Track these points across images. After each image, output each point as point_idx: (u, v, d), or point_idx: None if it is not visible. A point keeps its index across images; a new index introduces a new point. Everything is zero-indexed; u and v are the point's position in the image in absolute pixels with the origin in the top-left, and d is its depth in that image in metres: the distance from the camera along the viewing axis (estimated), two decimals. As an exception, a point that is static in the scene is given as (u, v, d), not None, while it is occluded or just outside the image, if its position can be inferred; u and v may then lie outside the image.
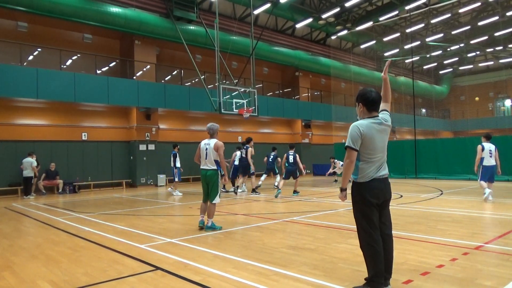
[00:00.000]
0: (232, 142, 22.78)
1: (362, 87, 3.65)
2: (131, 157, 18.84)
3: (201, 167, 6.98)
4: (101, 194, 15.33)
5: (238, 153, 14.25)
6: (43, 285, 4.04)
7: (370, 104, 3.56)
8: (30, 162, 14.55)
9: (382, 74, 4.08)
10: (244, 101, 17.04)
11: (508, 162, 15.66)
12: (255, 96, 17.10)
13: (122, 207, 10.78)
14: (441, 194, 11.77)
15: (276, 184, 15.56)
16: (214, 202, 6.83)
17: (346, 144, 3.44)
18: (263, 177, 15.17)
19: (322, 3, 24.88)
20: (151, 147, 19.01)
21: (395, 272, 4.05)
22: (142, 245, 5.73)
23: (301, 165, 13.16)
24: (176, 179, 13.96)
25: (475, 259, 4.46)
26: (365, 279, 3.52)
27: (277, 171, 15.09)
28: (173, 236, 6.31)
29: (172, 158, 14.01)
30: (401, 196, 11.37)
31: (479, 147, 10.27)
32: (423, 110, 40.58)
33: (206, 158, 6.89)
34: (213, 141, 6.94)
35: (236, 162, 14.38)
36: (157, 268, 4.51)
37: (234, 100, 16.79)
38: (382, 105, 3.80)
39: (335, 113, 26.45)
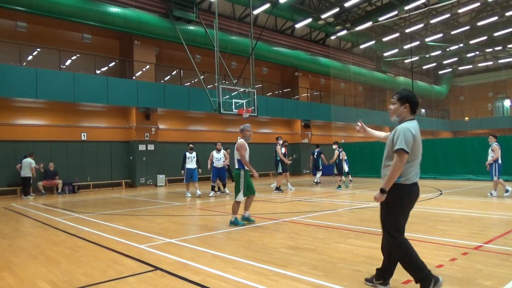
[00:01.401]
0: (232, 142, 22.78)
1: (404, 88, 3.65)
2: (131, 157, 18.83)
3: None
4: (100, 194, 15.32)
5: (214, 153, 13.14)
6: (42, 285, 4.03)
7: (415, 106, 3.52)
8: (29, 163, 14.53)
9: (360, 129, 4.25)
10: (244, 101, 17.03)
11: (507, 162, 15.68)
12: (255, 96, 17.09)
13: (121, 207, 10.77)
14: (441, 194, 11.77)
15: (315, 180, 17.03)
16: (236, 199, 7.12)
17: (399, 147, 3.28)
18: (319, 174, 16.89)
19: (322, 3, 24.89)
20: (151, 147, 19.00)
21: (395, 272, 4.05)
22: (142, 245, 5.73)
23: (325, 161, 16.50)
24: (184, 181, 13.42)
25: (474, 259, 4.46)
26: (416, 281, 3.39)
27: (320, 168, 16.71)
28: (172, 236, 6.31)
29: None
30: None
31: (497, 146, 10.57)
32: (423, 110, 40.60)
33: (234, 158, 7.29)
34: (238, 142, 7.30)
35: (219, 164, 13.04)
36: (157, 268, 4.50)
37: (234, 100, 16.77)
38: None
39: (335, 113, 26.47)
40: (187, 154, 13.19)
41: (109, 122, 18.71)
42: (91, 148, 17.82)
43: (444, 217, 7.47)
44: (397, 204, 3.43)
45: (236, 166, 7.27)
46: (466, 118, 38.68)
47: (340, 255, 4.81)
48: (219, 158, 12.88)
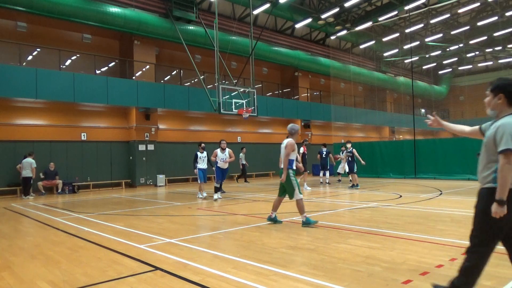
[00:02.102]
0: (232, 142, 22.80)
1: (500, 77, 3.10)
2: (131, 157, 18.83)
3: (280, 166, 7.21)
4: (100, 194, 15.31)
5: (218, 152, 12.15)
6: (42, 286, 4.03)
7: None
8: (30, 163, 14.53)
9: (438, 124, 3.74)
10: (244, 101, 17.04)
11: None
12: (255, 96, 17.10)
13: (121, 207, 10.77)
14: (441, 194, 11.77)
15: (327, 181, 17.15)
16: (295, 198, 6.88)
17: (506, 147, 2.78)
18: (327, 174, 16.97)
19: (322, 3, 24.90)
20: (151, 147, 19.00)
21: (394, 272, 4.05)
22: (142, 245, 5.73)
23: (333, 160, 17.00)
24: (198, 181, 12.65)
25: (474, 259, 4.45)
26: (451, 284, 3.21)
27: (328, 167, 16.86)
28: (172, 236, 6.31)
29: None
30: (401, 196, 11.38)
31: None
32: (423, 110, 40.59)
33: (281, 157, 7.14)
34: (286, 141, 7.08)
35: (224, 165, 12.00)
36: (157, 268, 4.50)
37: (234, 100, 16.79)
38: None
39: (335, 113, 26.47)
40: (199, 154, 12.51)
41: (109, 122, 18.71)
42: (91, 148, 17.81)
43: (444, 217, 7.47)
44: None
45: (282, 166, 7.06)
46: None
47: (340, 255, 4.81)
48: (224, 158, 11.74)
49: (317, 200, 11.28)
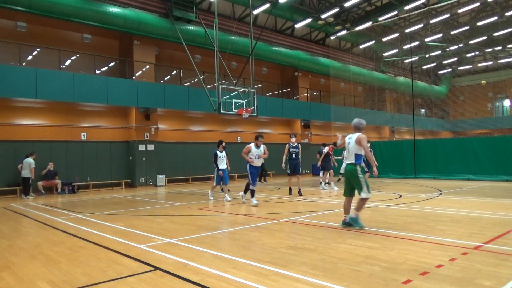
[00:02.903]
0: (232, 142, 22.80)
1: None
2: (130, 157, 18.83)
3: (345, 162, 6.91)
4: (100, 194, 15.31)
5: (253, 147, 10.82)
6: (42, 286, 4.03)
7: None
8: (29, 163, 14.53)
9: None
10: (244, 101, 17.04)
11: (507, 162, 15.71)
12: (254, 96, 17.10)
13: (121, 207, 10.77)
14: (440, 194, 11.77)
15: (327, 181, 16.95)
16: (361, 197, 6.46)
17: None
18: (322, 173, 16.67)
19: (322, 3, 24.90)
20: (150, 147, 19.00)
21: (394, 272, 4.05)
22: (141, 245, 5.73)
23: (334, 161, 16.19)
24: (222, 182, 11.73)
25: (474, 259, 4.46)
26: None
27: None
28: (172, 236, 6.31)
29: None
30: (400, 196, 11.38)
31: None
32: (422, 110, 40.62)
33: (349, 153, 6.79)
34: (355, 135, 6.81)
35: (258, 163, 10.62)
36: (157, 268, 4.50)
37: (234, 100, 16.79)
38: None
39: (335, 113, 26.47)
40: (218, 153, 11.54)
41: (109, 122, 18.71)
42: (90, 148, 17.81)
43: (443, 217, 7.47)
44: None
45: (351, 161, 6.62)
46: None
47: (340, 255, 4.81)
48: (259, 153, 10.15)
49: (317, 200, 11.28)
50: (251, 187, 10.06)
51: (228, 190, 11.90)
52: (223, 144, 11.83)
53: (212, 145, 19.92)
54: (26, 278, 4.30)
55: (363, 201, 6.50)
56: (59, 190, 16.03)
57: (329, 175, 14.83)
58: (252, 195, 10.07)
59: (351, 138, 6.82)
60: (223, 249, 5.36)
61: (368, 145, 6.64)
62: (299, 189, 12.44)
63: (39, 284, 4.08)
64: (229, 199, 11.38)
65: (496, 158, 15.98)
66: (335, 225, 6.90)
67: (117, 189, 17.78)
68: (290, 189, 12.93)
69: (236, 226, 7.20)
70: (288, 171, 12.61)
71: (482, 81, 33.24)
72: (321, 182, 15.00)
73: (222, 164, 11.51)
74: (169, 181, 19.88)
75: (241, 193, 10.61)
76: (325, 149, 14.56)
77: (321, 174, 17.41)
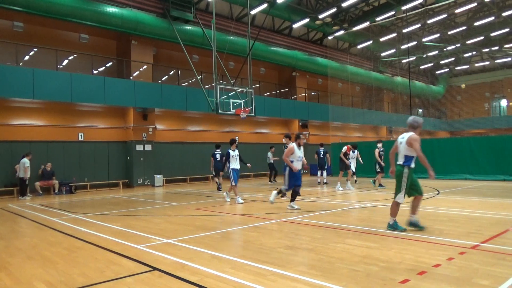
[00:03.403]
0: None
1: None
2: (128, 158, 18.79)
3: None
4: (97, 195, 15.28)
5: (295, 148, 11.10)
6: (39, 286, 4.02)
7: None
8: (23, 163, 14.47)
9: None
10: (241, 101, 17.03)
11: (504, 162, 15.77)
12: (252, 96, 17.09)
13: (118, 207, 10.75)
14: (438, 193, 11.80)
15: (324, 180, 17.04)
16: (395, 200, 6.21)
17: None
18: (325, 174, 16.96)
19: (319, 3, 24.92)
20: (148, 147, 18.97)
21: (392, 272, 4.06)
22: (139, 245, 5.72)
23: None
24: (233, 183, 11.03)
25: (471, 259, 4.48)
26: None
27: (326, 167, 16.88)
28: (170, 237, 6.30)
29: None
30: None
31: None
32: (420, 110, 40.71)
33: (399, 153, 6.43)
34: (408, 135, 6.35)
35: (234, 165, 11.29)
36: (154, 268, 4.49)
37: (231, 100, 16.78)
38: None
39: (332, 113, 26.50)
40: (231, 152, 11.06)
41: (107, 122, 18.67)
42: (88, 148, 17.77)
43: (441, 217, 7.49)
44: None
45: (400, 162, 6.34)
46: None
47: (338, 255, 4.82)
48: (301, 156, 9.29)
49: (315, 200, 11.29)
50: (283, 188, 9.10)
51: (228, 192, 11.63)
52: (236, 142, 11.38)
53: (210, 146, 19.93)
54: (23, 279, 4.29)
55: (397, 205, 6.22)
56: (56, 191, 15.98)
57: (348, 174, 14.52)
58: (293, 199, 9.13)
59: (404, 138, 6.39)
60: (221, 249, 5.35)
61: (419, 146, 6.21)
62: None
63: (36, 285, 4.06)
64: (228, 199, 11.19)
65: (493, 158, 16.03)
66: (333, 225, 6.91)
67: (114, 190, 17.74)
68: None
69: (234, 226, 7.19)
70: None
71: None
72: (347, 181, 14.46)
73: (235, 164, 11.07)
74: (167, 181, 19.85)
75: (290, 204, 9.16)
76: (344, 149, 14.51)
77: (318, 174, 17.42)
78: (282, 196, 10.05)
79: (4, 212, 10.57)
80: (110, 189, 18.08)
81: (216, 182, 15.43)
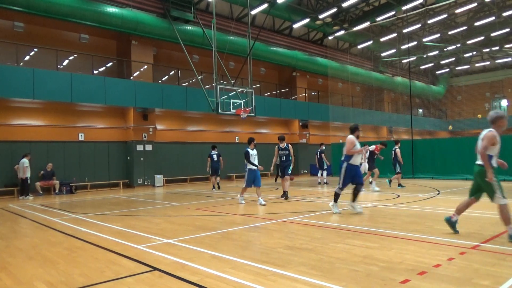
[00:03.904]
0: (230, 142, 22.80)
1: None
2: (128, 158, 18.79)
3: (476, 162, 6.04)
4: (98, 195, 15.28)
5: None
6: (39, 286, 4.02)
7: None
8: (22, 163, 14.48)
9: None
10: (242, 101, 17.04)
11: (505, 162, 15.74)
12: (252, 96, 17.10)
13: (119, 207, 10.75)
14: (438, 194, 11.80)
15: (325, 180, 17.02)
16: (496, 202, 5.45)
17: None
18: (325, 173, 17.02)
19: (319, 3, 24.92)
20: (148, 147, 18.98)
21: (392, 272, 4.06)
22: (139, 245, 5.72)
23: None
24: (245, 185, 10.57)
25: (472, 259, 4.47)
26: None
27: (325, 167, 16.97)
28: (170, 237, 6.30)
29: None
30: (398, 196, 11.40)
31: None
32: (420, 110, 40.70)
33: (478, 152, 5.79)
34: (485, 132, 5.75)
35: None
36: (155, 268, 4.50)
37: (232, 100, 16.79)
38: None
39: (333, 113, 26.49)
40: (250, 151, 10.37)
41: (107, 123, 18.67)
42: (88, 148, 17.77)
43: (441, 217, 7.47)
44: None
45: (479, 162, 5.88)
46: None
47: (338, 255, 4.81)
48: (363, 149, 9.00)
49: (315, 200, 11.29)
50: (337, 190, 8.26)
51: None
52: (255, 142, 10.68)
53: (209, 145, 19.91)
54: (24, 279, 4.29)
55: (502, 209, 5.34)
56: (56, 191, 15.99)
57: (374, 174, 13.89)
58: (354, 199, 8.31)
59: (481, 135, 5.82)
60: (221, 249, 5.35)
61: (485, 143, 5.64)
62: (285, 192, 11.42)
63: (37, 285, 4.06)
64: (263, 202, 10.10)
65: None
66: (333, 225, 6.91)
67: (115, 190, 17.74)
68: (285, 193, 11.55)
69: (234, 226, 7.19)
70: (280, 174, 11.70)
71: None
72: (371, 182, 13.72)
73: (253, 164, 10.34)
74: (167, 181, 19.86)
75: (331, 203, 8.47)
76: (372, 148, 13.91)
77: (319, 174, 17.41)
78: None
79: (5, 212, 10.58)
80: (110, 189, 18.09)
81: (213, 182, 16.04)
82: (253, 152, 10.40)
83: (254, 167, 10.28)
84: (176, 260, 4.81)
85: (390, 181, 14.64)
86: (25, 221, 8.86)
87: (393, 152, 14.28)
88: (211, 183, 16.49)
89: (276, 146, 11.57)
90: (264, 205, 9.98)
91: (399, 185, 14.14)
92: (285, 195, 11.43)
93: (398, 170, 14.19)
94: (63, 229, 7.47)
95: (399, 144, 14.55)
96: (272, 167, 11.71)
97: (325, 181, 17.03)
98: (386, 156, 15.26)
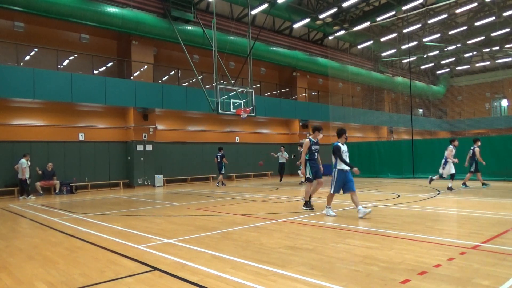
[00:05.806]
0: (230, 142, 22.80)
1: None
2: (129, 158, 18.79)
3: None
4: (98, 195, 15.28)
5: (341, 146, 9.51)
6: (40, 286, 4.02)
7: None
8: (21, 163, 14.48)
9: None
10: (242, 101, 17.04)
11: (504, 162, 15.75)
12: (253, 96, 17.10)
13: (119, 207, 10.75)
14: (438, 194, 11.80)
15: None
16: None
17: None
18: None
19: (320, 3, 24.92)
20: (149, 147, 18.97)
21: (392, 272, 4.06)
22: (140, 245, 5.72)
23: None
24: (332, 190, 8.19)
25: (472, 259, 4.47)
26: None
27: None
28: (170, 237, 6.30)
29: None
30: (399, 196, 11.39)
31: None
32: (420, 110, 40.69)
33: None
34: None
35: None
36: (155, 268, 4.50)
37: (232, 100, 16.79)
38: None
39: (333, 113, 26.48)
40: (341, 146, 7.95)
41: (107, 123, 18.68)
42: (89, 148, 17.77)
43: (442, 217, 7.49)
44: None
45: None
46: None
47: (338, 255, 4.82)
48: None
49: (315, 200, 11.28)
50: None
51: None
52: (346, 134, 8.17)
53: (211, 145, 19.94)
54: (24, 279, 4.29)
55: None
56: (57, 191, 15.99)
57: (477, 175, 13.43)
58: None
59: None
60: (221, 249, 5.35)
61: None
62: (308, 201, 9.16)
63: (37, 285, 4.07)
64: (368, 211, 7.64)
65: (494, 158, 15.99)
66: (333, 225, 6.91)
67: (115, 190, 17.74)
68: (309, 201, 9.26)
69: (235, 226, 7.19)
70: (310, 176, 9.06)
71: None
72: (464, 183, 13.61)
73: (342, 163, 7.89)
74: (167, 181, 19.86)
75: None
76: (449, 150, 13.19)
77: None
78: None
79: (5, 212, 10.58)
80: (110, 189, 18.09)
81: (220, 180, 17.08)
82: (344, 148, 7.97)
83: (347, 168, 7.83)
84: (176, 260, 4.81)
85: (465, 184, 13.84)
86: (25, 221, 8.86)
87: (471, 150, 13.52)
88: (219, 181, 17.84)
89: (307, 139, 9.01)
90: (369, 212, 7.64)
91: (464, 184, 13.64)
92: (309, 204, 9.10)
93: (472, 169, 13.48)
94: (63, 229, 7.47)
95: (479, 143, 13.56)
96: (302, 165, 9.10)
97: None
98: (460, 157, 13.93)
